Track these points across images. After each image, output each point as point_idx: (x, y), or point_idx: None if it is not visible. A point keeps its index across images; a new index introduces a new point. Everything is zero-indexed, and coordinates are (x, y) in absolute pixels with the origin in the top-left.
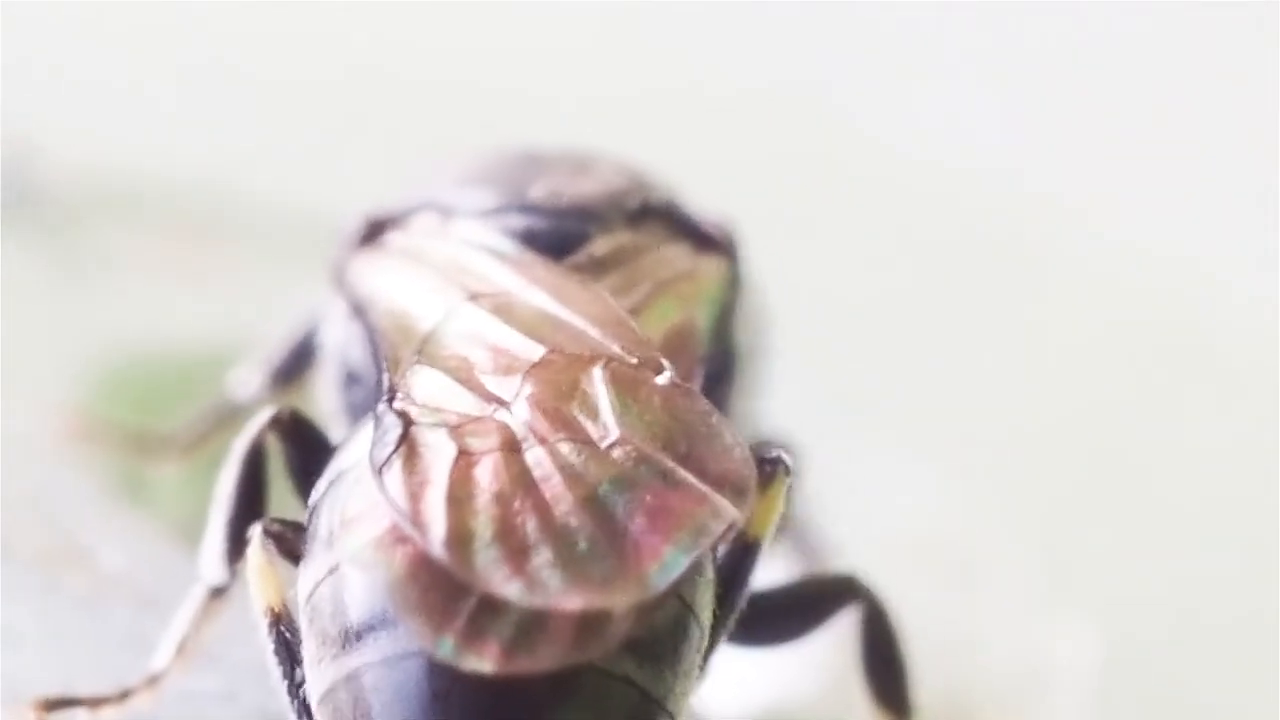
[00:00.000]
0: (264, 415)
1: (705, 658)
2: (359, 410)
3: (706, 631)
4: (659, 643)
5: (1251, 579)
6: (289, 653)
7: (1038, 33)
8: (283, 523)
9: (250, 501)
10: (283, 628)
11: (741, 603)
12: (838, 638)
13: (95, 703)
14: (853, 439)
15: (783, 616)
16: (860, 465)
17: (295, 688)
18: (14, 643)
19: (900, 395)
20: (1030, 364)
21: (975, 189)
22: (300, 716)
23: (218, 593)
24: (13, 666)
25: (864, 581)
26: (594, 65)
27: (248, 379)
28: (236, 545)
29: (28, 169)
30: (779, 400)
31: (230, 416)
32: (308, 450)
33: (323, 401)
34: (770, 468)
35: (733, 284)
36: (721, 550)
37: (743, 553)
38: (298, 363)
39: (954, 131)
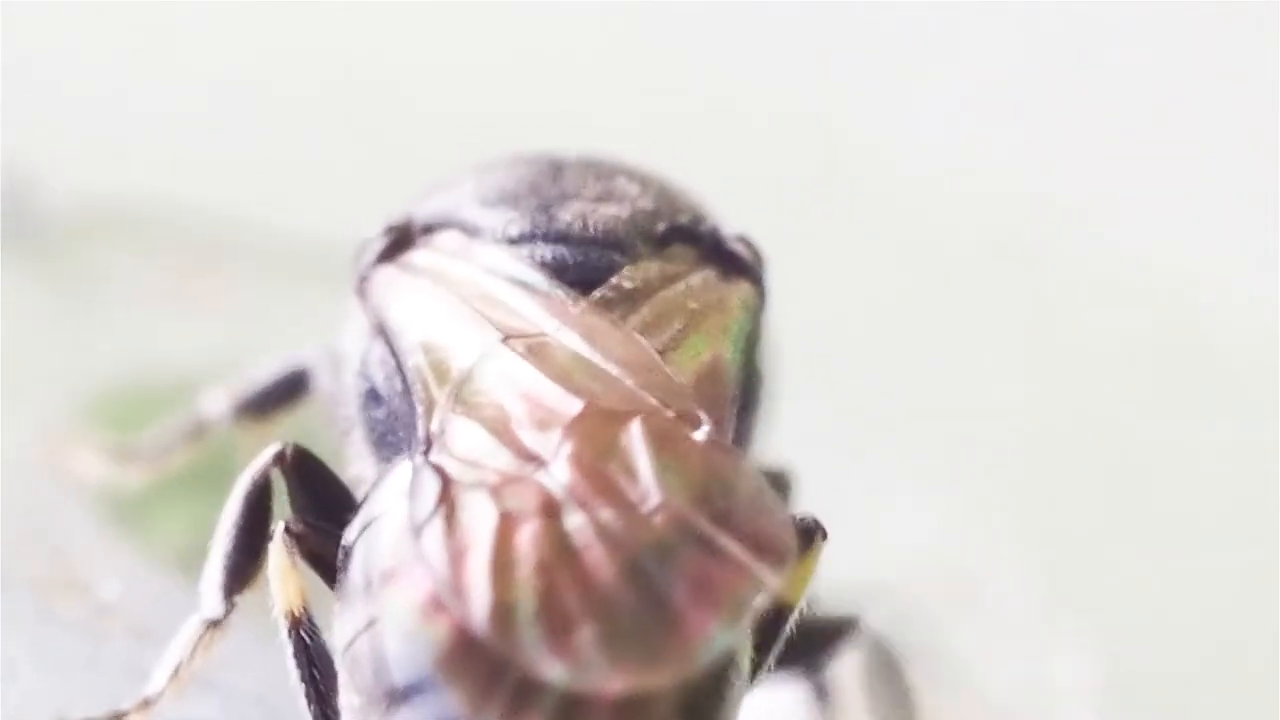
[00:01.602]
0: (268, 451)
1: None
2: (379, 427)
3: (745, 686)
4: (706, 702)
5: (1254, 602)
6: (308, 657)
7: (1037, 40)
8: (305, 523)
9: (252, 537)
10: (303, 632)
11: (771, 664)
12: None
13: None
14: (854, 458)
15: (787, 650)
16: (862, 485)
17: (314, 691)
18: (10, 671)
19: (902, 415)
20: (1033, 384)
21: (977, 203)
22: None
23: (215, 625)
24: (9, 695)
25: (866, 623)
26: (598, 80)
27: (218, 400)
28: (236, 579)
29: (26, 193)
30: (781, 419)
31: (197, 435)
32: (312, 487)
33: (336, 411)
34: (808, 534)
35: (759, 308)
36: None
37: (776, 616)
38: (271, 399)
39: (956, 143)
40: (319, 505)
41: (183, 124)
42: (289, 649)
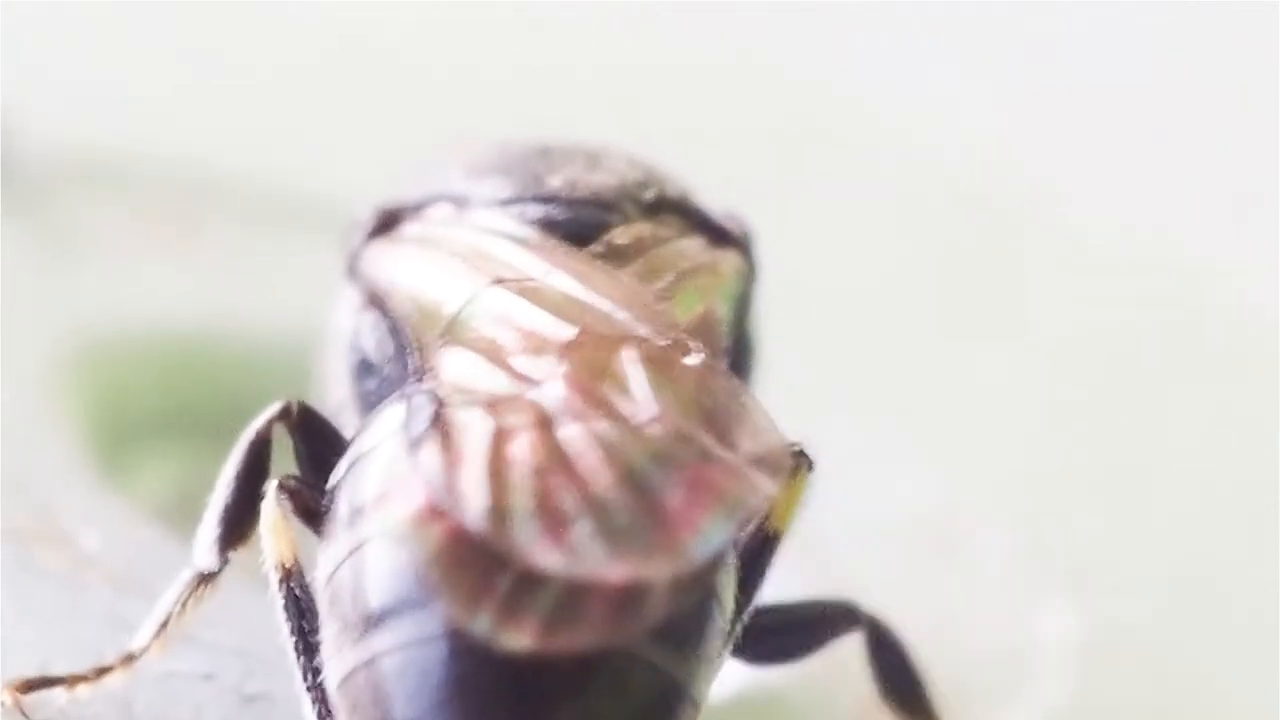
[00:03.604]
0: (273, 407)
1: (725, 646)
2: (373, 399)
3: (729, 619)
4: (684, 628)
5: (1237, 561)
6: (299, 609)
7: (1035, 16)
8: (298, 480)
9: (251, 491)
10: (293, 584)
11: (759, 594)
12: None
13: (72, 681)
14: (839, 419)
15: (782, 637)
16: (846, 445)
17: (303, 643)
18: None
19: (887, 376)
20: (1019, 345)
21: (970, 171)
22: (306, 675)
23: (208, 578)
24: None
25: (865, 608)
26: (581, 42)
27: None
28: (232, 533)
29: (8, 145)
30: (769, 381)
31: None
32: (317, 442)
33: (331, 393)
34: (794, 461)
35: (749, 278)
36: (741, 541)
37: (762, 544)
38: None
39: (950, 114)
40: (324, 462)
41: (169, 75)
42: (279, 602)
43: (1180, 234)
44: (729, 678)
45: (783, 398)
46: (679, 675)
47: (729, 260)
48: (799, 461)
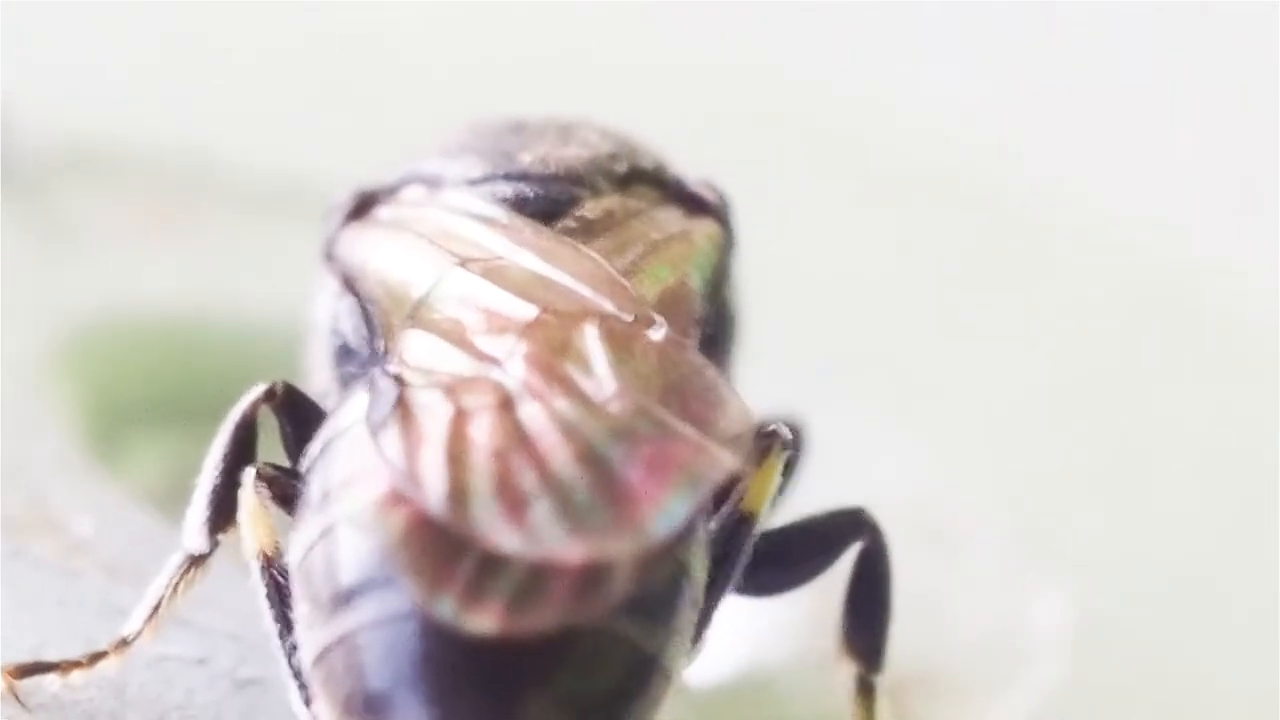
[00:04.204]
0: (258, 388)
1: (700, 625)
2: (352, 383)
3: (701, 593)
4: (653, 600)
5: (1227, 547)
6: (280, 595)
7: (1039, 13)
8: (276, 468)
9: (237, 473)
10: (274, 571)
11: (737, 576)
12: (809, 600)
13: (66, 667)
14: (832, 402)
15: (793, 558)
16: (839, 428)
17: (286, 629)
18: None
19: (881, 360)
20: (1014, 333)
21: (966, 158)
22: (289, 659)
23: (198, 561)
24: None
25: (871, 517)
26: (577, 32)
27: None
28: (220, 515)
29: (3, 134)
30: (762, 365)
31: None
32: (303, 423)
33: (314, 377)
34: (766, 441)
35: (725, 246)
36: (716, 523)
37: (738, 525)
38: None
39: (948, 102)
40: (309, 441)
41: (162, 62)
42: (261, 590)
43: (1181, 227)
44: (722, 661)
45: (777, 385)
46: (650, 646)
47: (704, 229)
48: (772, 442)
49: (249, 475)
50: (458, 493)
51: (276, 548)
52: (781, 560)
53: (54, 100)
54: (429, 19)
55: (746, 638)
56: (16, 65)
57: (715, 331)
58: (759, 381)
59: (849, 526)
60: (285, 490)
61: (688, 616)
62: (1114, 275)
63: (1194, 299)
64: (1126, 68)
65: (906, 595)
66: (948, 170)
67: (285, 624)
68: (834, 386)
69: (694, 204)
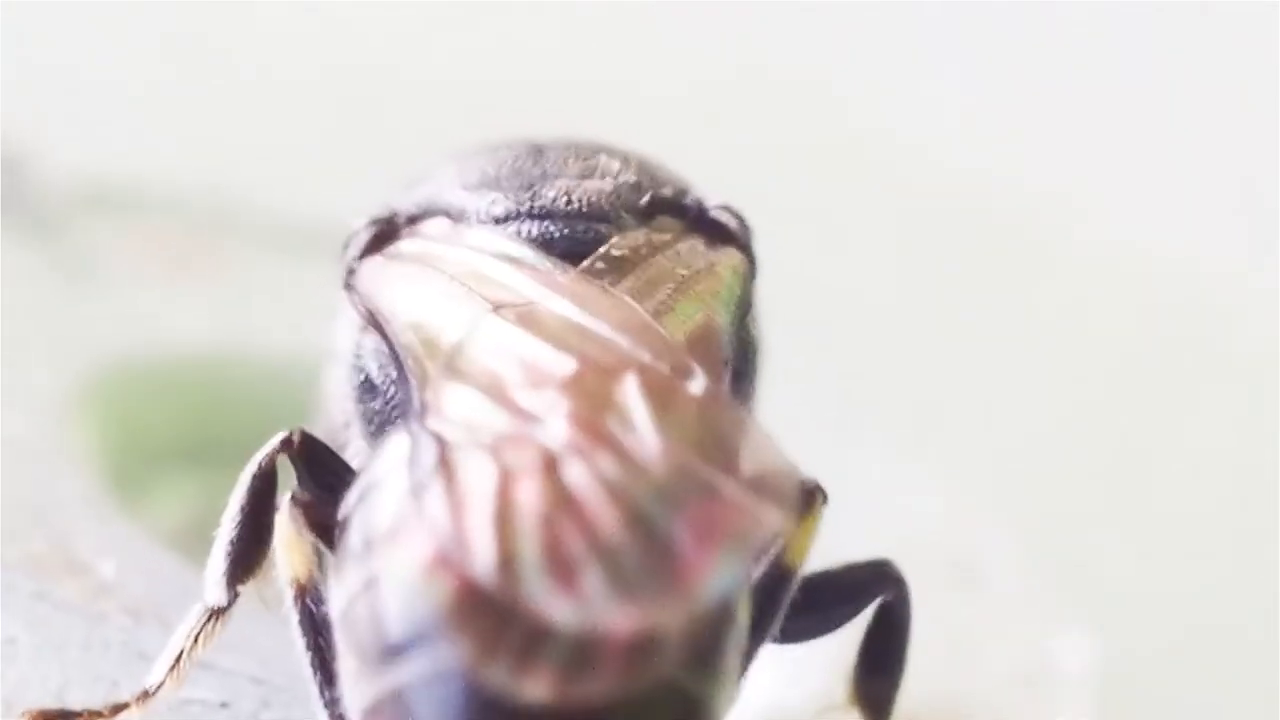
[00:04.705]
0: (276, 437)
1: (744, 667)
2: (377, 419)
3: (746, 635)
4: (704, 646)
5: (1251, 587)
6: (314, 626)
7: (1041, 28)
8: (312, 493)
9: (257, 525)
10: (309, 601)
11: (776, 629)
12: (830, 646)
13: (88, 717)
14: (853, 440)
15: (819, 606)
16: (861, 466)
17: (319, 659)
18: (8, 652)
19: (902, 397)
20: (1032, 366)
21: (979, 187)
22: (323, 693)
23: (219, 613)
24: (7, 675)
25: (897, 570)
26: (592, 55)
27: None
28: (240, 567)
29: (23, 171)
30: (781, 400)
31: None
32: (321, 469)
33: (333, 406)
34: (807, 495)
35: (748, 276)
36: (759, 571)
37: (779, 578)
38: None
39: (957, 128)
40: (329, 491)
41: (181, 100)
42: (294, 618)
43: (1193, 251)
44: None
45: (797, 424)
46: (700, 694)
47: (727, 260)
48: (814, 496)
49: (285, 500)
50: (506, 560)
51: (312, 576)
52: (807, 608)
53: (77, 138)
54: (452, 53)
55: (767, 684)
56: (36, 104)
57: (740, 364)
58: (782, 424)
59: (875, 579)
60: (319, 517)
61: (735, 661)
62: (1139, 309)
63: (1218, 332)
64: (1143, 87)
65: (930, 633)
66: (964, 201)
67: (318, 655)
68: (855, 421)
69: (715, 231)
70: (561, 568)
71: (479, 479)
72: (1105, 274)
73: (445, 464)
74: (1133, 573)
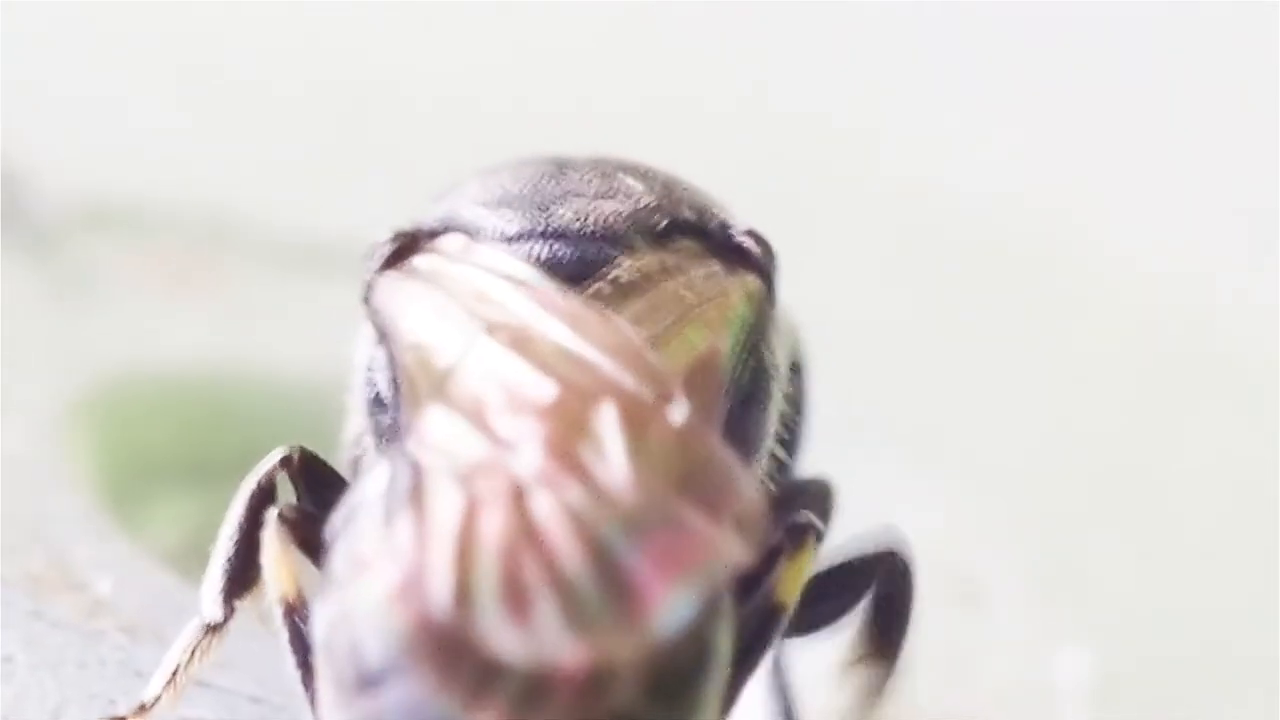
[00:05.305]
0: (275, 454)
1: (726, 703)
2: (387, 433)
3: (725, 669)
4: (675, 679)
5: (1252, 604)
6: (303, 643)
7: (1040, 41)
8: (299, 510)
9: (253, 540)
10: (297, 619)
11: (762, 663)
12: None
13: None
14: (855, 456)
15: (827, 596)
16: (862, 481)
17: (310, 677)
18: (4, 669)
19: (903, 413)
20: (1033, 382)
21: (982, 202)
22: (316, 709)
23: (215, 629)
24: (3, 693)
25: (903, 552)
26: (595, 76)
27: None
28: (237, 583)
29: (22, 189)
30: None
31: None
32: (320, 489)
33: (352, 419)
34: (800, 533)
35: (765, 300)
36: (748, 606)
37: (767, 617)
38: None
39: (959, 144)
40: (327, 510)
41: (179, 118)
42: (284, 635)
43: (1194, 265)
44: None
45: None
46: None
47: (742, 286)
48: (807, 534)
49: (271, 517)
50: (463, 593)
51: (300, 593)
52: (818, 601)
53: (76, 155)
54: (455, 71)
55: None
56: (35, 122)
57: (752, 389)
58: None
59: (881, 557)
60: (307, 535)
61: (707, 693)
62: (1143, 325)
63: (1226, 356)
64: (1149, 108)
65: (932, 648)
66: (968, 217)
67: (308, 670)
68: (857, 437)
69: (736, 254)
70: (516, 600)
71: (446, 509)
72: (1110, 291)
73: (418, 492)
74: (1134, 589)
